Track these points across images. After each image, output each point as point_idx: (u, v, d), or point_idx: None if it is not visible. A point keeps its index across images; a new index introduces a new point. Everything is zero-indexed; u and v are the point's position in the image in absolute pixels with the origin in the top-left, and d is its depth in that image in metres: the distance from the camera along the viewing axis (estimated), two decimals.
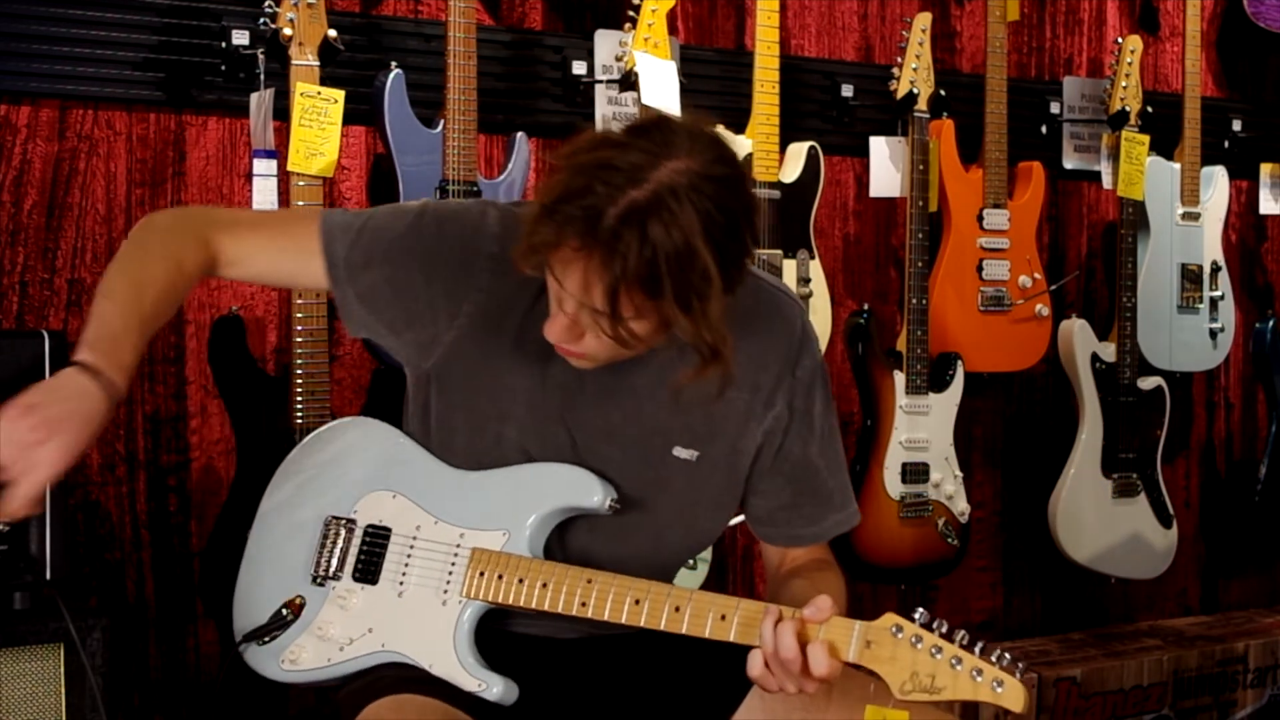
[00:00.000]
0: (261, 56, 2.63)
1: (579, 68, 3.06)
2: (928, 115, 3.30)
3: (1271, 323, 4.01)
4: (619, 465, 1.84)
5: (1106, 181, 3.69)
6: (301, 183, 2.57)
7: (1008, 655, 1.60)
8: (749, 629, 1.68)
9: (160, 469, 2.77)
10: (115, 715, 2.53)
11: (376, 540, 1.87)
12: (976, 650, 1.60)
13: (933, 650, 1.60)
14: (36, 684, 2.01)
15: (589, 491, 1.82)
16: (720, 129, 1.71)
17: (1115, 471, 3.61)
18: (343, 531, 1.89)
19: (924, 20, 3.28)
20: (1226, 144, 3.98)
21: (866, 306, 3.29)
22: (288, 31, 2.55)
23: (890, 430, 3.26)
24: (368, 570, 1.87)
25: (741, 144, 3.01)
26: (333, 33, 2.59)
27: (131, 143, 2.73)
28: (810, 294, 3.10)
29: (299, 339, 2.56)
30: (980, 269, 3.40)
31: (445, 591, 1.82)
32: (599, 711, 1.91)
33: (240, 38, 2.68)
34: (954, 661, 1.60)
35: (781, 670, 1.64)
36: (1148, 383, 3.67)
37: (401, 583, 1.85)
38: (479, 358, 1.83)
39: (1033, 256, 3.49)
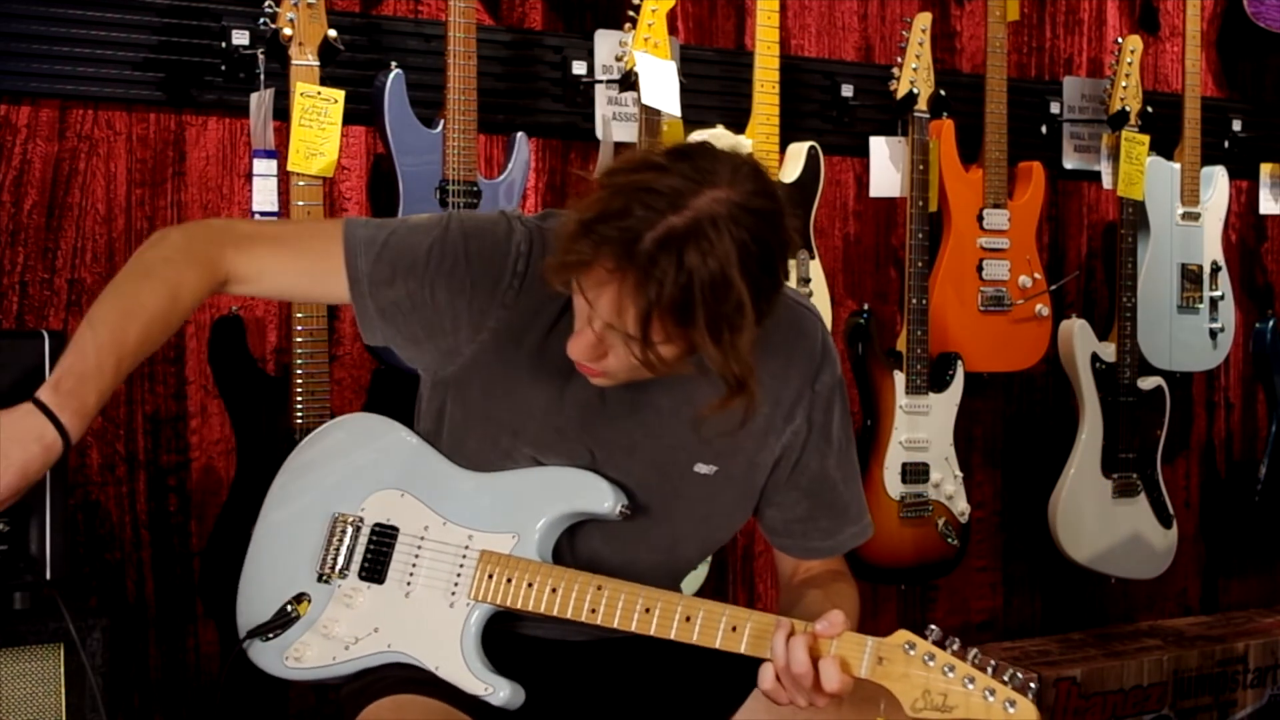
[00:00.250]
0: (261, 56, 2.63)
1: (579, 68, 3.06)
2: (928, 115, 3.30)
3: (1271, 323, 4.01)
4: (638, 479, 1.84)
5: (1106, 181, 3.69)
6: (301, 183, 2.57)
7: (1019, 675, 1.60)
8: (760, 641, 1.68)
9: (160, 469, 2.77)
10: (115, 715, 2.53)
11: (384, 539, 1.87)
12: (989, 669, 1.60)
13: (945, 669, 1.60)
14: (36, 684, 2.01)
15: (600, 497, 1.81)
16: (752, 153, 1.70)
17: (1115, 471, 3.61)
18: (349, 529, 1.88)
19: (924, 20, 3.28)
20: (1226, 144, 3.98)
21: (866, 306, 3.29)
22: (288, 31, 2.55)
23: (890, 430, 3.26)
24: (374, 569, 1.86)
25: (741, 144, 3.01)
26: (333, 33, 2.59)
27: (131, 143, 2.73)
28: (810, 294, 3.10)
29: (299, 339, 2.56)
30: (980, 269, 3.40)
31: (453, 593, 1.82)
32: (606, 714, 1.91)
33: (240, 38, 2.68)
34: (966, 680, 1.59)
35: (793, 684, 1.64)
36: (1148, 383, 3.67)
37: (409, 583, 1.85)
38: (498, 372, 1.82)
39: (1033, 256, 3.49)
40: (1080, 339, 3.57)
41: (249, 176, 2.66)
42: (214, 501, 2.76)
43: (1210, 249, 3.79)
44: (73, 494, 2.64)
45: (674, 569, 1.94)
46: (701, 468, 1.85)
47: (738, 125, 3.07)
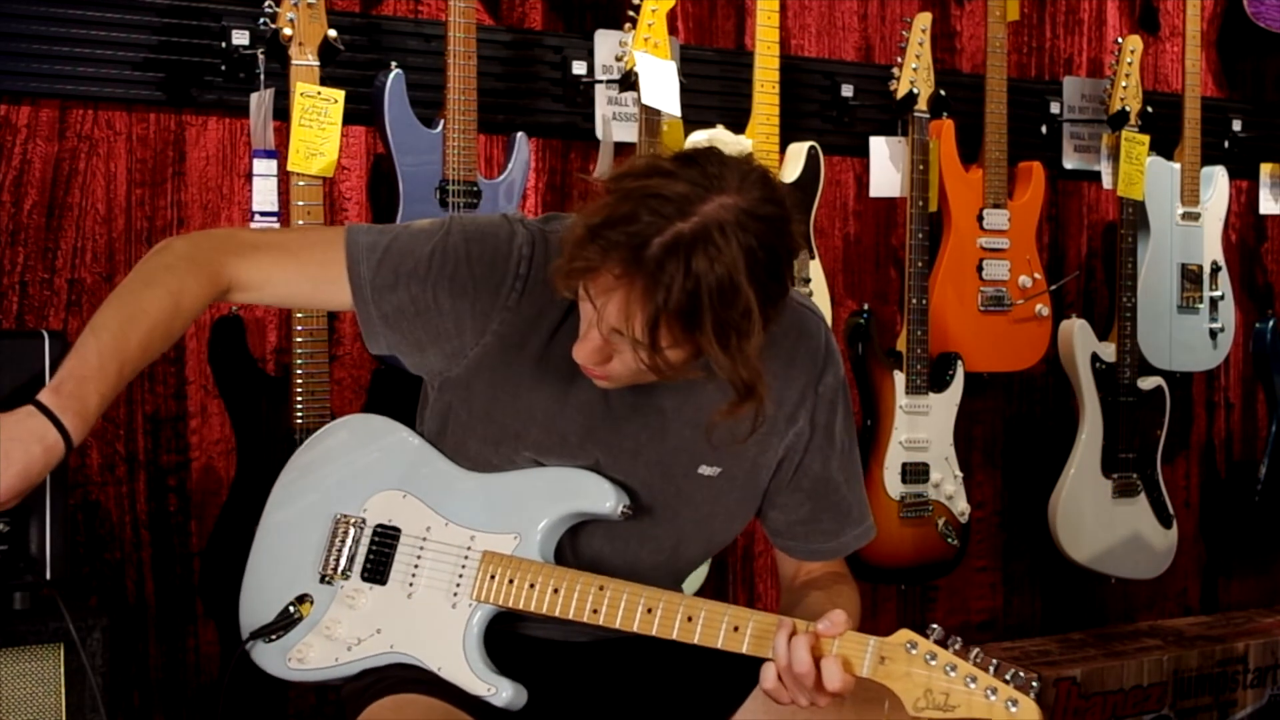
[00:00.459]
0: (261, 56, 2.63)
1: (579, 68, 3.06)
2: (928, 115, 3.30)
3: (1271, 323, 4.01)
4: (643, 480, 1.85)
5: (1106, 181, 3.69)
6: (301, 183, 2.57)
7: (1021, 673, 1.60)
8: (762, 641, 1.68)
9: (160, 469, 2.77)
10: (115, 715, 2.52)
11: (386, 540, 1.87)
12: (991, 668, 1.60)
13: (947, 668, 1.61)
14: (36, 684, 2.00)
15: (602, 497, 1.81)
16: (759, 158, 1.71)
17: (1115, 471, 3.61)
18: (351, 530, 1.88)
19: (924, 20, 3.28)
20: (1226, 144, 3.98)
21: (866, 306, 3.29)
22: (288, 31, 2.55)
23: (890, 430, 3.26)
24: (377, 570, 1.86)
25: (741, 144, 3.01)
26: (333, 33, 2.59)
27: (131, 143, 2.73)
28: (810, 294, 3.10)
29: (299, 339, 2.56)
30: (980, 269, 3.40)
31: (455, 594, 1.82)
32: (608, 714, 1.91)
33: (240, 38, 2.68)
34: (968, 680, 1.60)
35: (794, 684, 1.64)
36: (1148, 383, 3.67)
37: (411, 584, 1.85)
38: (501, 375, 1.82)
39: (1033, 256, 3.49)
40: (1080, 339, 3.57)
41: (249, 176, 2.66)
42: (214, 501, 2.76)
43: (1210, 249, 3.79)
44: (73, 494, 2.64)
45: (676, 570, 1.94)
46: (705, 469, 1.86)
47: (738, 125, 3.07)
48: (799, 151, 3.16)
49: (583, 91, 3.08)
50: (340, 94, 2.59)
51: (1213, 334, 3.80)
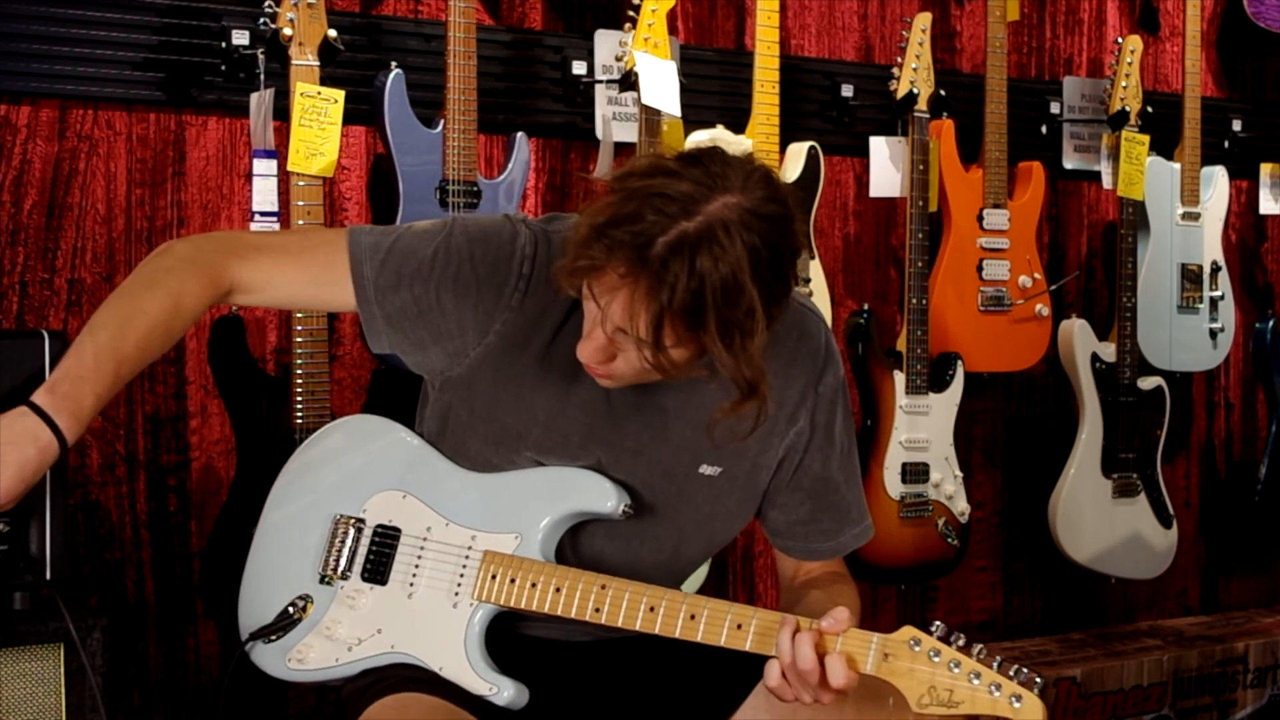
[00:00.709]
0: (261, 56, 2.63)
1: (579, 68, 3.06)
2: (928, 115, 3.30)
3: (1271, 323, 4.01)
4: (644, 480, 1.85)
5: (1106, 181, 3.70)
6: (301, 183, 2.57)
7: (1025, 669, 1.60)
8: (765, 639, 1.68)
9: (160, 469, 2.77)
10: (115, 715, 2.52)
11: (386, 540, 1.87)
12: (994, 665, 1.60)
13: (950, 664, 1.61)
14: (36, 684, 2.00)
15: (603, 496, 1.81)
16: (761, 159, 1.71)
17: (1115, 471, 3.61)
18: (351, 531, 1.88)
19: (924, 20, 3.28)
20: (1226, 144, 3.98)
21: (866, 306, 3.29)
22: (288, 31, 2.55)
23: (890, 430, 3.26)
24: (377, 570, 1.86)
25: (742, 144, 3.01)
26: (333, 33, 2.59)
27: (131, 143, 2.73)
28: (810, 294, 3.10)
29: (299, 339, 2.56)
30: (980, 269, 3.40)
31: (456, 594, 1.82)
32: (609, 713, 1.91)
33: (240, 38, 2.68)
34: (972, 676, 1.60)
35: (799, 681, 1.64)
36: (1148, 383, 3.67)
37: (411, 584, 1.85)
38: (503, 375, 1.83)
39: (1033, 256, 3.49)
40: (1080, 339, 3.57)
41: (249, 176, 2.66)
42: (214, 501, 2.76)
43: (1210, 249, 3.79)
44: (73, 494, 2.64)
45: (677, 569, 1.94)
46: (706, 469, 1.86)
47: (738, 125, 3.07)
48: (799, 151, 3.16)
49: (583, 91, 3.08)
50: (340, 94, 2.59)
51: (1213, 334, 3.80)
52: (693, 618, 1.72)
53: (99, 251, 2.70)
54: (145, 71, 2.68)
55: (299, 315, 2.55)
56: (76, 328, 2.64)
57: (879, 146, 3.36)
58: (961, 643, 1.62)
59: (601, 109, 3.06)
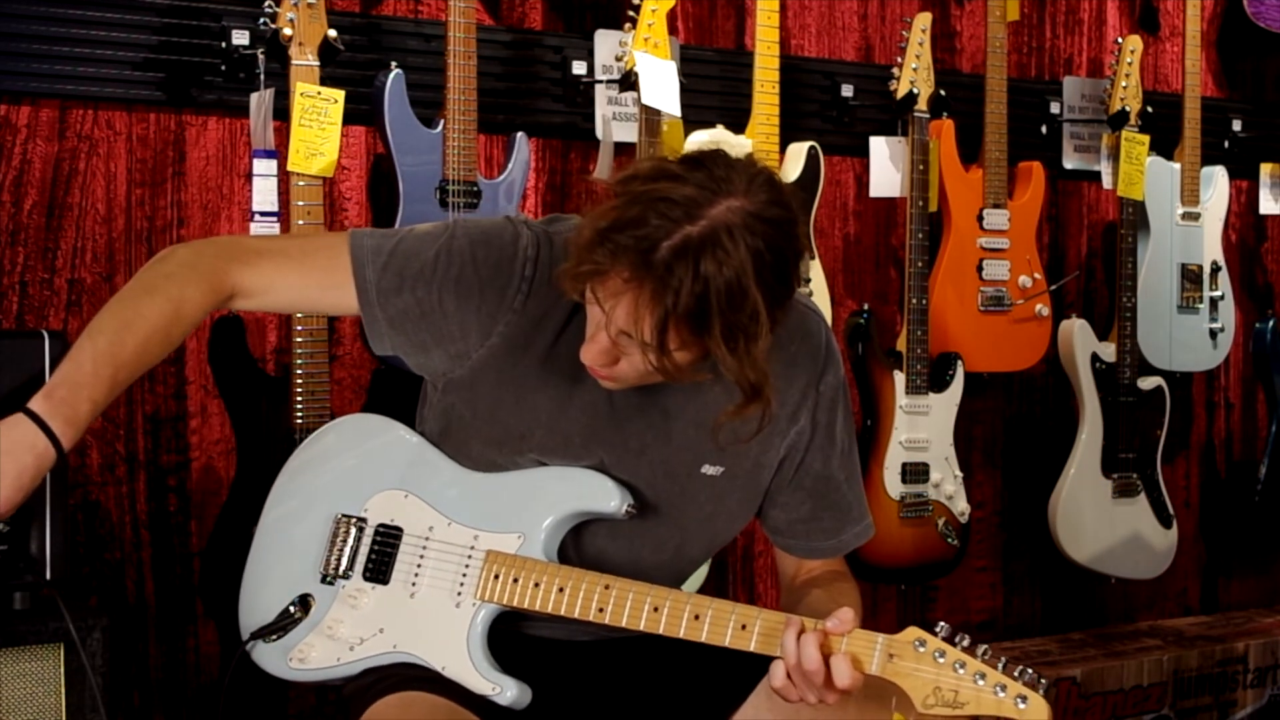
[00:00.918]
0: (261, 56, 2.63)
1: (579, 68, 3.06)
2: (928, 115, 3.30)
3: (1271, 323, 4.01)
4: (647, 480, 1.85)
5: (1106, 181, 3.70)
6: (301, 183, 2.57)
7: (1030, 670, 1.60)
8: (770, 639, 1.69)
9: (160, 469, 2.77)
10: (115, 715, 2.52)
11: (388, 540, 1.87)
12: (1000, 665, 1.61)
13: (956, 665, 1.61)
14: (36, 684, 2.00)
15: (606, 496, 1.82)
16: (767, 164, 1.71)
17: (1115, 471, 3.61)
18: (353, 530, 1.88)
19: (924, 20, 3.28)
20: (1226, 144, 3.98)
21: (866, 306, 3.29)
22: (288, 31, 2.55)
23: (890, 430, 3.26)
24: (379, 570, 1.86)
25: (741, 144, 3.01)
26: (333, 33, 2.59)
27: (131, 143, 2.73)
28: (810, 294, 3.10)
29: (299, 339, 2.56)
30: (980, 269, 3.40)
31: (459, 594, 1.82)
32: (611, 714, 1.91)
33: (240, 38, 2.68)
34: (977, 677, 1.60)
35: (804, 682, 1.65)
36: (1148, 383, 3.67)
37: (414, 583, 1.85)
38: (505, 376, 1.83)
39: (1033, 256, 3.49)
40: (1080, 339, 3.57)
41: (249, 176, 2.66)
42: (214, 501, 2.76)
43: (1210, 249, 3.79)
44: (73, 494, 2.64)
45: (679, 569, 1.94)
46: (708, 469, 1.86)
47: (738, 125, 3.07)
48: (799, 151, 3.16)
49: (583, 91, 3.08)
50: (340, 94, 2.59)
51: (1213, 334, 3.80)
52: (697, 618, 1.73)
53: (99, 251, 2.70)
54: (145, 71, 2.68)
55: (299, 316, 2.55)
56: (76, 328, 2.64)
57: (879, 146, 3.36)
58: (966, 643, 1.62)
59: (601, 109, 3.06)
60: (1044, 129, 3.70)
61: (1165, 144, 3.74)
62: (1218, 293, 3.79)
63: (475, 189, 2.74)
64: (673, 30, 3.11)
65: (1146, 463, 3.68)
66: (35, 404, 1.70)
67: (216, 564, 2.54)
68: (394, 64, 2.74)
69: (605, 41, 3.07)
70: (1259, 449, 4.07)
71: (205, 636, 2.78)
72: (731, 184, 1.61)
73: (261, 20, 2.57)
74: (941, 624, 1.64)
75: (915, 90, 3.27)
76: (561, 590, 1.78)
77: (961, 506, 3.35)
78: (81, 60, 2.63)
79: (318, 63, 2.58)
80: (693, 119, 3.01)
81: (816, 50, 3.47)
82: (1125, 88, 3.59)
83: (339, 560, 1.88)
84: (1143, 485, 3.66)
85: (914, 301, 3.28)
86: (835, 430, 1.92)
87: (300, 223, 2.56)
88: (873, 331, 3.26)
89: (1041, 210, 3.55)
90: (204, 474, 2.80)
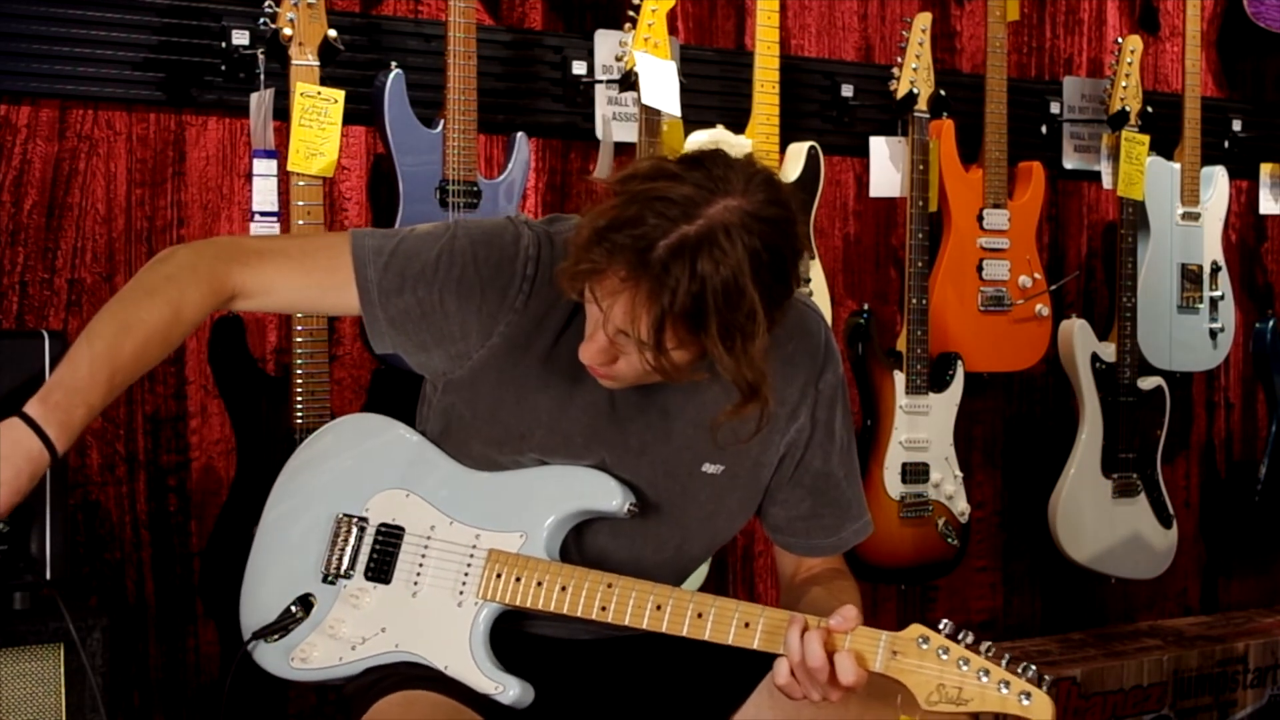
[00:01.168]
0: (261, 56, 2.63)
1: (579, 68, 3.06)
2: (928, 115, 3.30)
3: (1271, 323, 4.01)
4: (648, 479, 1.85)
5: (1106, 181, 3.69)
6: (301, 183, 2.57)
7: (1033, 667, 1.61)
8: (773, 637, 1.69)
9: (160, 469, 2.77)
10: (115, 715, 2.53)
11: (389, 539, 1.87)
12: (1003, 662, 1.61)
13: (959, 662, 1.61)
14: (36, 684, 2.01)
15: (608, 495, 1.82)
16: (767, 163, 1.72)
17: (1115, 471, 3.61)
18: (354, 530, 1.88)
19: (924, 20, 3.28)
20: (1226, 144, 3.98)
21: (866, 306, 3.29)
22: (288, 31, 2.55)
23: (890, 430, 3.26)
24: (380, 569, 1.86)
25: (741, 144, 3.01)
26: (333, 33, 2.59)
27: (131, 143, 2.73)
28: (810, 294, 3.10)
29: (299, 339, 2.56)
30: (980, 269, 3.40)
31: (461, 593, 1.82)
32: (612, 713, 1.91)
33: (240, 38, 2.68)
34: (981, 673, 1.60)
35: (808, 679, 1.65)
36: (1148, 383, 3.67)
37: (416, 582, 1.85)
38: (506, 376, 1.83)
39: (1033, 256, 3.49)
40: (1080, 339, 3.57)
41: (249, 176, 2.66)
42: (214, 501, 2.76)
43: (1210, 249, 3.79)
44: (73, 494, 2.64)
45: (680, 567, 1.94)
46: (709, 467, 1.86)
47: (738, 125, 3.07)
48: (799, 151, 3.16)
49: (583, 91, 3.08)
50: (340, 94, 2.59)
51: (1213, 334, 3.80)
52: (700, 616, 1.73)
53: (99, 251, 2.70)
54: (145, 71, 2.68)
55: (299, 316, 2.55)
56: (76, 328, 2.64)
57: (879, 146, 3.36)
58: (969, 640, 1.62)
59: (601, 109, 3.06)
60: (1044, 129, 3.70)
61: (1165, 144, 3.74)
62: (1218, 293, 3.79)
63: (475, 189, 2.74)
64: (673, 30, 3.11)
65: (1146, 463, 3.68)
66: (31, 408, 1.70)
67: (216, 564, 2.54)
68: (394, 64, 2.74)
69: (605, 41, 3.07)
70: (1259, 449, 4.07)
71: (205, 636, 2.78)
72: (729, 183, 1.62)
73: (261, 20, 2.57)
74: (945, 621, 1.64)
75: (915, 90, 3.27)
76: (564, 589, 1.78)
77: (961, 506, 3.35)
78: (81, 60, 2.63)
79: (318, 63, 2.58)
80: (693, 119, 3.01)
81: (816, 50, 3.47)
82: (1125, 88, 3.59)
83: (340, 560, 1.88)
84: (1143, 485, 3.66)
85: (914, 301, 3.28)
86: (835, 428, 1.92)
87: (300, 223, 2.56)
88: (873, 331, 3.26)
89: (1041, 210, 3.55)
90: (204, 474, 2.80)
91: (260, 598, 1.92)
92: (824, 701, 1.67)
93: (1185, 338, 3.75)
